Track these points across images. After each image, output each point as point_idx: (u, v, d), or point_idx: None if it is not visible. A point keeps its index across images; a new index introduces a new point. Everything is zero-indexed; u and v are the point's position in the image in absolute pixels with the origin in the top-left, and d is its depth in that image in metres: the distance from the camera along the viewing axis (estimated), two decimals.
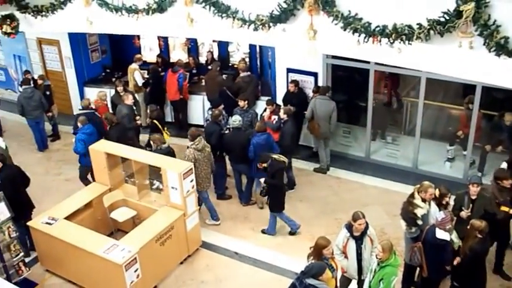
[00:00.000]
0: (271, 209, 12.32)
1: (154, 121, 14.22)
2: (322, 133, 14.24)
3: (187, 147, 12.62)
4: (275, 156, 12.06)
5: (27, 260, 11.26)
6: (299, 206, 13.42)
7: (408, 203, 10.08)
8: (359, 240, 9.28)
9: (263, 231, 12.61)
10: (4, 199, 10.53)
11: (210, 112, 14.39)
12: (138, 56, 17.73)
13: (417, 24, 8.70)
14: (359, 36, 9.33)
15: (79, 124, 13.77)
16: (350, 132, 15.84)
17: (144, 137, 15.31)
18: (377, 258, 8.76)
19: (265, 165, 11.88)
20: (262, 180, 12.25)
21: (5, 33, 14.20)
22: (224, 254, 12.04)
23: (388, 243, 8.74)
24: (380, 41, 9.15)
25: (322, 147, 14.61)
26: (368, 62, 13.34)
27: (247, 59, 17.26)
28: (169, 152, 12.81)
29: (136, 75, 17.11)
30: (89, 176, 13.91)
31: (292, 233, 12.50)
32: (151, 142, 13.11)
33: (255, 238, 12.45)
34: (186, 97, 17.12)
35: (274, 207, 12.27)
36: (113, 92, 16.90)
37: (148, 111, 15.90)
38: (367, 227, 9.29)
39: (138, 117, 15.10)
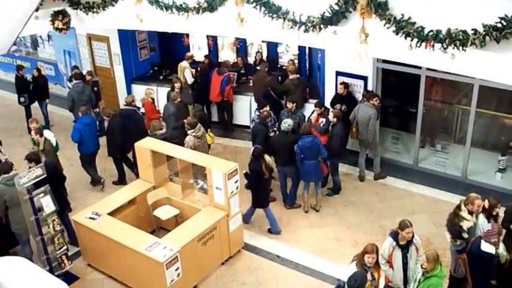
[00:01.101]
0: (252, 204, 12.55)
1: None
2: (361, 139, 14.03)
3: (187, 134, 13.03)
4: (264, 158, 12.16)
5: (69, 253, 11.38)
6: (344, 211, 13.27)
7: (454, 214, 9.88)
8: (405, 249, 9.07)
9: (269, 231, 12.68)
10: (50, 192, 10.67)
11: (257, 113, 14.29)
12: (189, 54, 17.79)
13: (472, 29, 8.44)
14: (411, 40, 9.12)
15: (79, 114, 14.33)
16: (398, 138, 15.58)
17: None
18: (422, 268, 8.55)
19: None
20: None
21: (57, 28, 14.43)
22: (266, 256, 11.93)
23: (433, 253, 8.52)
24: (433, 46, 8.92)
25: (363, 155, 14.36)
26: (419, 68, 13.07)
27: (296, 61, 17.11)
28: (165, 139, 13.20)
29: (186, 73, 17.14)
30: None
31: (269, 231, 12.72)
32: (151, 128, 13.53)
33: (298, 242, 12.30)
34: (230, 99, 17.06)
35: (253, 202, 12.43)
36: (160, 89, 17.03)
37: (193, 110, 15.92)
38: (412, 236, 9.07)
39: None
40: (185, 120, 13.59)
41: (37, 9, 13.59)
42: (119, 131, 14.20)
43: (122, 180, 14.70)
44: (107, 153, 14.53)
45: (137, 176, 13.51)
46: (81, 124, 14.10)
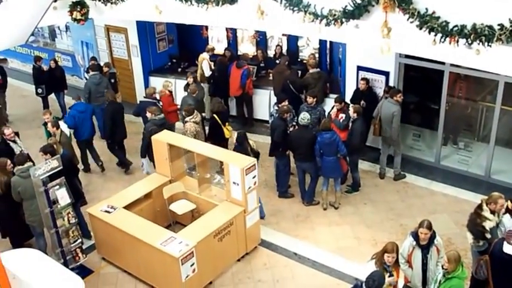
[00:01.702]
0: None
1: (214, 115, 14.11)
2: (383, 136, 13.83)
3: (186, 121, 13.47)
4: (249, 142, 12.49)
5: (84, 247, 11.35)
6: (363, 209, 13.08)
7: (476, 214, 9.68)
8: (425, 249, 8.89)
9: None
10: (65, 184, 10.64)
11: (275, 107, 14.11)
12: (210, 46, 17.72)
13: (498, 25, 8.33)
14: (435, 35, 9.04)
15: (74, 101, 14.85)
16: (420, 135, 15.32)
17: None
18: (443, 268, 8.37)
19: None
20: None
21: (75, 19, 14.38)
22: (283, 253, 11.78)
23: (454, 253, 8.36)
24: (457, 41, 8.84)
25: (385, 152, 14.14)
26: (443, 63, 12.84)
27: (316, 55, 16.93)
28: (164, 124, 13.41)
29: (204, 64, 17.02)
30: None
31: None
32: (148, 112, 13.59)
33: (316, 239, 12.15)
34: (250, 92, 16.89)
35: None
36: (178, 82, 16.96)
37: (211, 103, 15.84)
38: (434, 236, 8.91)
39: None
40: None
41: (55, 0, 13.51)
42: (108, 118, 14.63)
43: (123, 164, 15.15)
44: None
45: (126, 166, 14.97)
46: (75, 111, 14.47)
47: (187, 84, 15.83)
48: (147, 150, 13.38)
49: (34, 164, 11.30)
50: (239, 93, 16.73)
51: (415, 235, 8.89)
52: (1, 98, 18.04)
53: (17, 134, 13.16)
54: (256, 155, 12.42)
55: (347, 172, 13.53)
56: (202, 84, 16.60)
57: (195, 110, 13.65)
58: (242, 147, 12.22)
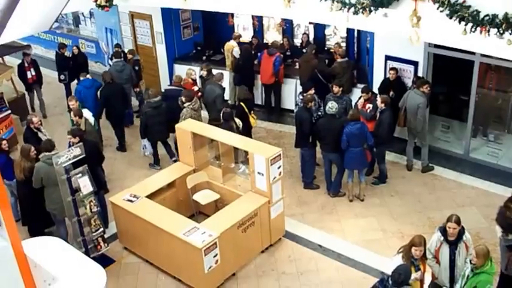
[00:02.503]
0: None
1: (241, 103, 14.01)
2: (408, 127, 13.61)
3: (184, 107, 13.44)
4: (235, 120, 12.94)
5: (106, 236, 11.33)
6: (390, 201, 12.88)
7: (505, 207, 9.43)
8: (453, 245, 8.69)
9: None
10: (88, 173, 10.59)
11: (300, 97, 13.92)
12: (237, 34, 17.62)
13: None
14: (466, 25, 8.84)
15: (81, 77, 15.26)
16: (449, 127, 15.12)
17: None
18: (471, 263, 8.16)
19: None
20: None
21: (99, 6, 14.28)
22: (307, 246, 11.65)
23: (483, 248, 8.13)
24: (488, 31, 8.62)
25: (411, 143, 13.92)
26: (473, 53, 12.48)
27: (343, 44, 16.77)
28: (160, 106, 13.82)
29: (235, 52, 16.91)
30: None
31: None
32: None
33: (341, 232, 11.99)
34: (281, 80, 16.71)
35: None
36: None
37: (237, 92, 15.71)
38: (463, 232, 8.70)
39: None
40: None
41: None
42: (102, 99, 14.96)
43: (121, 148, 15.69)
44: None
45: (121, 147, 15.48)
46: (82, 86, 15.10)
47: (201, 77, 15.72)
48: (144, 132, 13.84)
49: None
50: (272, 81, 16.53)
51: (443, 230, 8.71)
52: (32, 94, 17.85)
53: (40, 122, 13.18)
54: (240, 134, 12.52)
55: (373, 163, 13.37)
56: (230, 72, 16.64)
57: (194, 96, 13.84)
58: (228, 124, 12.45)
